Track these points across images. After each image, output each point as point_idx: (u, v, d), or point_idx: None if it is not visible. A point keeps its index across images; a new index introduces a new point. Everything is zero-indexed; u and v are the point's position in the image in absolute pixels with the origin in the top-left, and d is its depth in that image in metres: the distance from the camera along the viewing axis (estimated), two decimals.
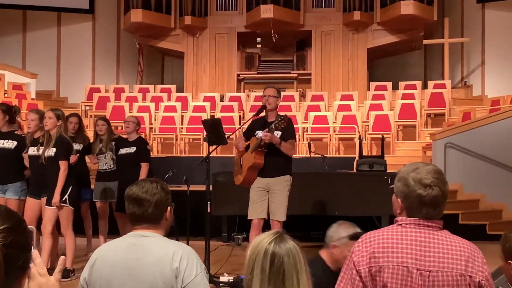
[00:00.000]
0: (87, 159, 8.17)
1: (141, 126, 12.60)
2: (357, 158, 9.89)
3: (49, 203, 6.41)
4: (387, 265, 2.28)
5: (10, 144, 6.82)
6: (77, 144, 7.88)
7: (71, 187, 6.50)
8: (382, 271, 2.28)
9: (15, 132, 7.00)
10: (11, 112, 7.04)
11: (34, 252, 1.58)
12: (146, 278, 2.68)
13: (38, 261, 1.58)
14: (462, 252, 2.30)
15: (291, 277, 2.09)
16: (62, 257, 1.63)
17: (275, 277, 2.09)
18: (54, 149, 6.39)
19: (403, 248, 2.29)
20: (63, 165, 6.40)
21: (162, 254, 2.69)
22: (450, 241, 2.33)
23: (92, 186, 8.14)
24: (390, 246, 2.31)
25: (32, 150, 6.55)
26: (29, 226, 1.64)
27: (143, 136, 12.36)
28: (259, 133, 6.25)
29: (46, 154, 6.39)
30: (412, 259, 2.28)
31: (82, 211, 8.06)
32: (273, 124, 5.98)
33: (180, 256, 2.68)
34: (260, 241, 2.17)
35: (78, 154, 6.85)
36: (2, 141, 6.83)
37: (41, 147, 6.46)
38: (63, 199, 6.42)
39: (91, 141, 8.14)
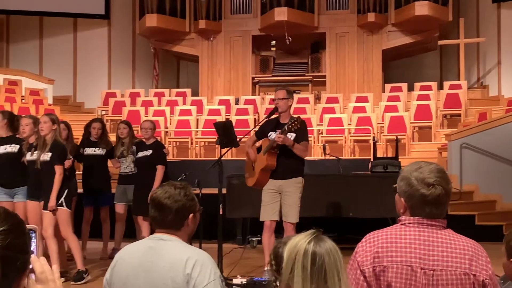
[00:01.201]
0: (109, 163, 8.23)
1: (157, 130, 12.78)
2: (371, 159, 9.86)
3: (46, 207, 6.44)
4: (391, 265, 2.28)
5: (13, 148, 6.87)
6: (100, 148, 7.94)
7: (67, 190, 6.50)
8: (386, 271, 2.28)
9: (16, 136, 7.06)
10: (11, 117, 7.09)
11: (42, 258, 1.59)
12: (159, 282, 2.69)
13: (45, 268, 1.59)
14: (466, 251, 2.29)
15: (332, 276, 2.09)
16: (54, 266, 1.63)
17: (317, 276, 2.10)
18: (50, 154, 6.41)
19: (407, 248, 2.29)
20: (58, 169, 6.40)
21: (176, 260, 2.69)
22: (454, 240, 2.32)
23: (113, 190, 8.19)
24: (394, 245, 2.31)
25: (29, 155, 6.59)
26: (32, 226, 1.66)
27: (159, 140, 12.46)
28: (272, 135, 6.27)
29: (41, 158, 6.42)
30: (416, 258, 2.28)
31: (102, 216, 8.12)
32: (286, 126, 6.00)
33: (194, 262, 2.67)
34: (298, 241, 2.18)
35: (72, 159, 6.86)
36: (5, 146, 6.89)
37: (35, 152, 6.50)
38: (59, 202, 6.42)
39: (113, 145, 8.21)
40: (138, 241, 2.94)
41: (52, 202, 6.37)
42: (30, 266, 1.51)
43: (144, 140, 7.77)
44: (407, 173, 2.37)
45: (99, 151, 7.92)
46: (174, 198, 2.77)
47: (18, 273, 1.42)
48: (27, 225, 1.51)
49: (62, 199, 6.46)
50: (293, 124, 5.93)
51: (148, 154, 7.58)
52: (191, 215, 2.81)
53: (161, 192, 2.80)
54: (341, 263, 2.13)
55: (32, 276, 1.53)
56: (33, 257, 1.55)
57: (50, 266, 1.60)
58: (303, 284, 2.09)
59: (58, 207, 6.43)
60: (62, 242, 6.87)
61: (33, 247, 1.61)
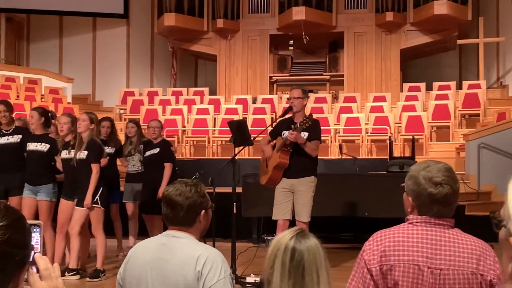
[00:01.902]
0: (118, 162, 8.29)
1: (174, 128, 12.83)
2: (388, 159, 9.82)
3: (80, 204, 6.52)
4: (398, 264, 2.28)
5: (43, 147, 6.96)
6: (109, 147, 8.00)
7: (101, 188, 6.62)
8: (393, 270, 2.28)
9: (49, 135, 7.14)
10: (47, 115, 7.18)
11: (45, 257, 1.61)
12: (171, 278, 2.71)
13: (49, 265, 1.60)
14: (473, 251, 2.28)
15: (310, 273, 2.11)
16: (55, 264, 1.65)
17: (295, 272, 2.12)
18: (86, 152, 6.51)
19: (414, 246, 2.29)
20: (95, 167, 6.53)
21: (187, 257, 2.72)
22: (461, 239, 2.31)
23: (122, 188, 8.25)
24: (401, 244, 2.30)
25: (65, 153, 6.68)
26: (37, 221, 1.68)
27: (175, 139, 12.53)
28: (285, 133, 6.28)
29: (78, 157, 6.51)
30: (423, 257, 2.27)
31: (112, 213, 8.18)
32: (298, 123, 6.00)
33: (205, 259, 2.69)
34: (282, 237, 2.21)
35: (108, 157, 6.95)
36: (36, 143, 6.96)
37: (72, 150, 6.58)
38: (94, 200, 6.53)
39: (122, 144, 8.27)
40: (151, 238, 2.97)
41: (87, 200, 6.47)
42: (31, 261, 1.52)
43: (151, 139, 7.82)
44: (415, 172, 2.36)
45: (108, 149, 7.97)
46: (185, 195, 2.79)
47: (17, 268, 1.43)
48: (30, 221, 1.53)
49: (97, 197, 6.56)
50: (304, 122, 5.95)
51: (156, 152, 7.64)
52: (202, 211, 2.84)
53: (172, 189, 2.83)
54: (322, 261, 2.14)
55: (34, 269, 1.55)
56: (37, 254, 1.57)
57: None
58: (281, 279, 2.12)
59: (93, 205, 6.51)
60: (87, 240, 6.96)
61: (37, 242, 1.63)
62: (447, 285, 2.25)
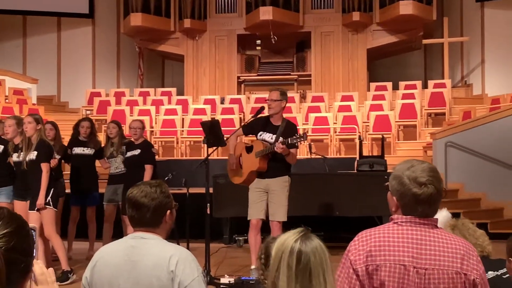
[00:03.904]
0: (97, 163, 8.17)
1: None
2: (357, 158, 9.89)
3: (32, 207, 6.40)
4: (384, 264, 2.28)
5: None
6: (88, 148, 7.89)
7: (52, 189, 6.49)
8: (379, 270, 2.28)
9: (1, 137, 7.03)
10: None
11: (40, 261, 1.58)
12: (143, 281, 2.70)
13: (45, 270, 1.58)
14: (457, 250, 2.30)
15: (317, 275, 2.09)
16: (50, 269, 1.62)
17: (302, 275, 2.10)
18: (35, 153, 6.42)
19: (400, 246, 2.30)
20: (45, 167, 6.40)
21: (159, 258, 2.71)
22: (446, 239, 2.33)
23: (102, 190, 8.14)
24: (387, 244, 2.31)
25: (16, 156, 6.59)
26: (31, 225, 1.64)
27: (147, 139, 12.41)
28: (264, 135, 6.28)
29: (27, 158, 6.41)
30: (409, 257, 2.28)
31: (88, 215, 8.08)
32: (289, 139, 5.96)
33: (177, 260, 2.69)
34: (286, 239, 2.18)
35: (58, 158, 6.81)
36: None
37: (22, 153, 6.48)
38: (46, 201, 6.40)
39: (102, 145, 8.16)
40: (118, 240, 2.93)
41: (40, 200, 6.34)
42: None
43: (133, 140, 7.74)
44: (399, 172, 2.37)
45: (88, 150, 7.87)
46: (150, 196, 2.79)
47: (21, 276, 1.41)
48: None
49: (49, 198, 6.44)
50: (298, 139, 5.93)
51: (137, 153, 7.54)
52: (168, 211, 2.84)
53: (137, 191, 2.82)
54: (327, 263, 2.13)
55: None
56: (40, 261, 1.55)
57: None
58: (288, 282, 2.09)
59: (45, 206, 6.40)
60: (47, 243, 6.83)
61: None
62: (432, 285, 2.26)
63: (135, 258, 2.73)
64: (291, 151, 6.15)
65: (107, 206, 8.02)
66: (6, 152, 6.83)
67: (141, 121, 7.99)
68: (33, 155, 6.41)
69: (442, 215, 3.55)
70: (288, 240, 2.15)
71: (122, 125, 8.49)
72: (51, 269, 1.60)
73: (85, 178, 7.88)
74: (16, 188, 6.74)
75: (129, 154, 7.63)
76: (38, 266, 1.54)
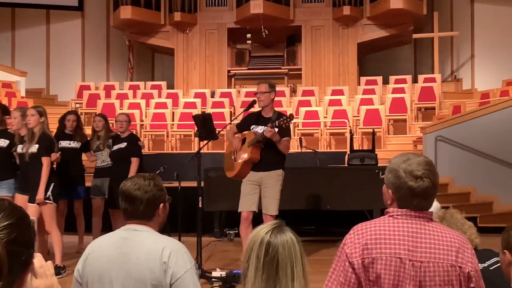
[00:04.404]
0: (83, 156, 8.14)
1: (132, 123, 12.70)
2: (348, 152, 9.91)
3: (32, 200, 6.37)
4: (380, 256, 2.28)
5: (3, 142, 6.82)
6: (75, 141, 7.85)
7: (53, 183, 6.46)
8: (375, 263, 2.29)
9: (8, 129, 7.00)
10: (5, 111, 7.05)
11: (38, 254, 1.57)
12: (136, 273, 2.69)
13: (44, 263, 1.57)
14: (452, 243, 2.31)
15: (284, 268, 2.11)
16: (49, 262, 1.61)
17: (268, 266, 2.11)
18: (37, 146, 6.40)
19: (395, 239, 2.30)
20: (45, 161, 6.38)
21: (151, 250, 2.70)
22: (441, 232, 2.34)
23: (89, 183, 8.11)
24: (382, 237, 2.31)
25: (20, 148, 6.56)
26: (31, 217, 1.63)
27: (133, 132, 12.37)
28: (256, 128, 6.27)
29: (29, 151, 6.39)
30: (405, 250, 2.28)
31: (75, 208, 8.04)
32: (277, 121, 5.97)
33: (170, 252, 2.68)
34: (259, 230, 2.21)
35: (60, 153, 6.78)
36: None
37: (26, 145, 6.45)
38: (46, 196, 6.38)
39: (89, 139, 8.13)
40: (110, 233, 2.92)
41: (40, 194, 6.31)
42: None
43: (119, 133, 7.71)
44: (395, 165, 2.37)
45: (74, 144, 7.82)
46: (144, 189, 2.79)
47: (22, 268, 1.40)
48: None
49: (49, 192, 6.40)
50: (284, 122, 5.93)
51: (123, 146, 7.52)
52: (161, 205, 2.84)
53: (131, 184, 2.82)
54: (297, 256, 2.14)
55: None
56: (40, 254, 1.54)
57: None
58: (255, 273, 2.12)
59: (45, 201, 6.37)
60: (43, 237, 6.82)
61: None
62: (428, 277, 2.27)
63: (127, 250, 2.73)
64: (282, 140, 6.13)
65: (94, 200, 7.99)
66: (11, 146, 6.80)
67: (127, 115, 7.98)
68: (34, 148, 6.39)
69: (432, 206, 3.57)
70: (261, 231, 2.18)
71: (109, 119, 8.46)
72: (49, 262, 1.59)
73: (71, 171, 7.83)
74: (18, 181, 6.72)
75: (115, 147, 7.60)
76: (37, 259, 1.53)
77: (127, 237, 2.77)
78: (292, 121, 5.98)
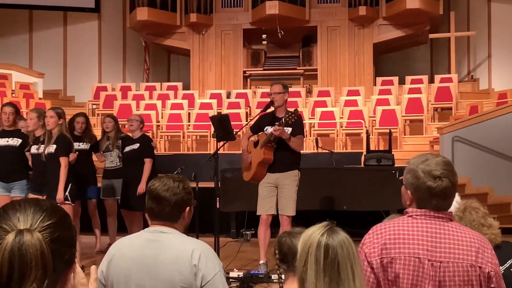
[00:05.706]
0: (94, 157, 8.19)
1: (148, 124, 12.76)
2: (364, 153, 9.89)
3: (49, 200, 6.39)
4: (399, 256, 2.29)
5: (15, 141, 6.87)
6: (84, 143, 7.90)
7: (70, 184, 6.48)
8: (394, 262, 2.29)
9: (21, 130, 7.06)
10: (18, 111, 7.10)
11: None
12: (164, 275, 2.67)
13: (79, 270, 1.60)
14: (472, 243, 2.31)
15: (345, 268, 2.09)
16: (93, 267, 1.63)
17: (330, 269, 2.10)
18: (55, 146, 6.41)
19: (414, 239, 2.30)
20: (63, 161, 6.39)
21: (180, 252, 2.68)
22: (460, 232, 2.33)
23: (99, 184, 8.16)
24: (401, 237, 2.32)
25: (35, 149, 6.59)
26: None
27: (149, 134, 12.44)
28: (268, 129, 6.27)
29: (46, 151, 6.41)
30: (424, 250, 2.29)
31: (90, 209, 8.08)
32: (283, 119, 5.99)
33: (199, 254, 2.67)
34: (312, 233, 2.17)
35: (77, 153, 6.82)
36: (7, 139, 6.88)
37: (42, 146, 6.48)
38: (64, 196, 6.40)
39: (98, 139, 8.17)
40: (134, 234, 2.91)
41: (60, 194, 6.32)
42: None
43: (130, 134, 7.74)
44: (414, 166, 2.37)
45: (83, 145, 7.85)
46: (173, 191, 2.77)
47: (66, 267, 1.41)
48: None
49: (67, 193, 6.43)
50: (290, 117, 5.94)
51: (136, 147, 7.54)
52: (187, 208, 2.83)
53: (160, 184, 2.80)
54: (355, 255, 2.13)
55: None
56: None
57: None
58: (316, 277, 2.09)
59: (64, 201, 6.41)
60: None
61: None
62: (447, 277, 2.27)
63: (154, 252, 2.71)
64: (293, 138, 6.13)
65: (106, 201, 8.04)
66: (24, 146, 6.85)
67: (140, 115, 8.02)
68: (52, 148, 6.41)
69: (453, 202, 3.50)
70: (314, 234, 2.15)
71: (119, 120, 8.52)
72: (93, 266, 1.62)
73: (83, 172, 7.88)
74: (32, 182, 6.75)
75: (127, 148, 7.62)
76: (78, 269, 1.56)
77: (153, 239, 2.75)
78: (296, 116, 5.96)
